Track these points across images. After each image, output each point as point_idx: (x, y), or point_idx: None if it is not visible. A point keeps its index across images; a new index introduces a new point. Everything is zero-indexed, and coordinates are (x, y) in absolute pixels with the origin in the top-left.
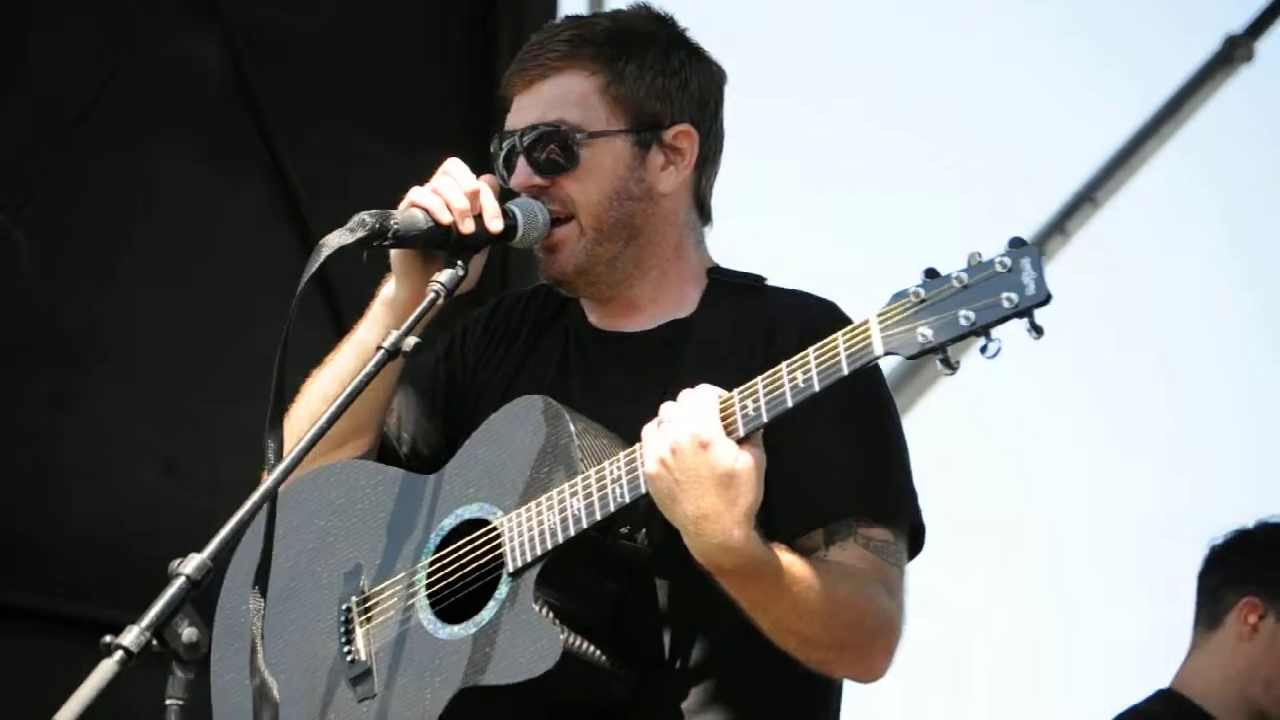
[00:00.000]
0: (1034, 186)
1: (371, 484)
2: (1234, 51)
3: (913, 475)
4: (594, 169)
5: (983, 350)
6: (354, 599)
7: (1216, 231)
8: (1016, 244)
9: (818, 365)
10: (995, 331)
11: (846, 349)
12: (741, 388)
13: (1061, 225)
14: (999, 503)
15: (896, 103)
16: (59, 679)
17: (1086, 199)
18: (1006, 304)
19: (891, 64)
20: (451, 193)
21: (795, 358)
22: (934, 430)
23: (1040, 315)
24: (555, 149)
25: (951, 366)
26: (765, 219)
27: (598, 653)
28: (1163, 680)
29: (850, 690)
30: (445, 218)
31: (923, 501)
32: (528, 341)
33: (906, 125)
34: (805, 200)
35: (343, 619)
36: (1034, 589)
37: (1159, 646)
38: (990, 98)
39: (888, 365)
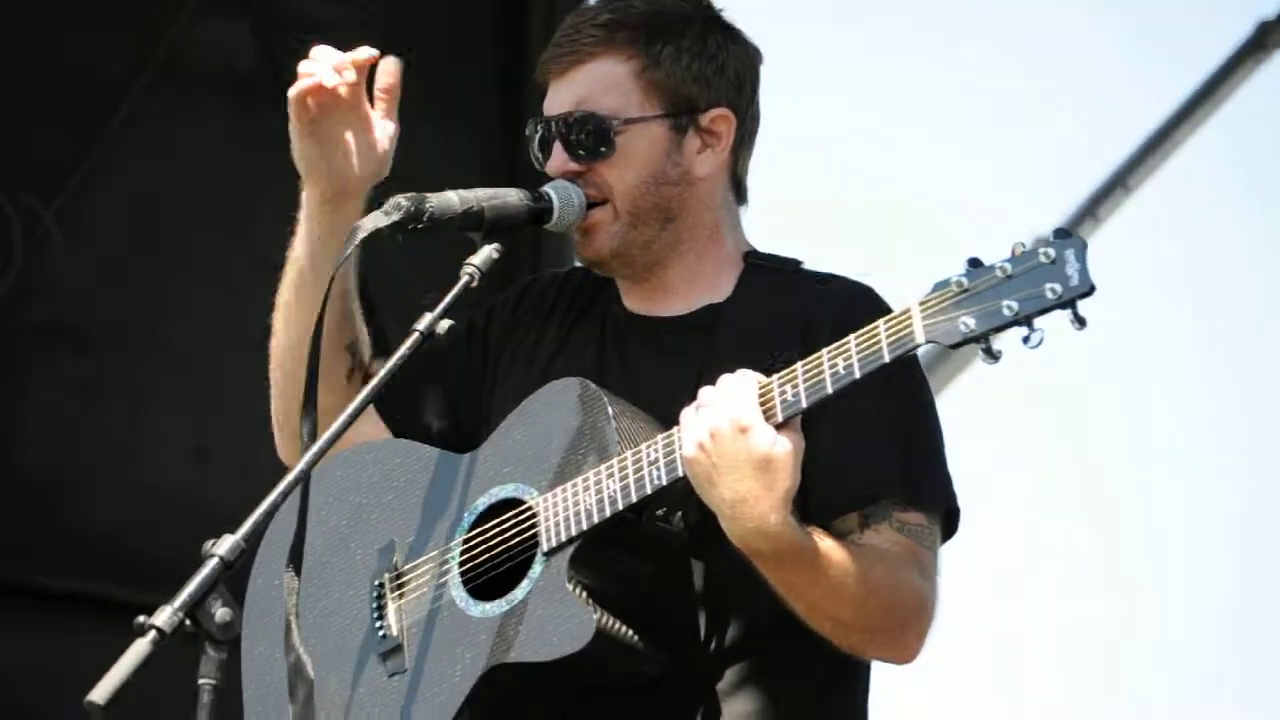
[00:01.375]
0: (1066, 171)
1: (407, 462)
2: (1267, 37)
3: (947, 459)
4: (630, 155)
5: (1025, 340)
6: (387, 575)
7: (1250, 217)
8: (1061, 235)
9: (859, 352)
10: (1038, 322)
11: (888, 337)
12: (781, 373)
13: (1093, 211)
14: (1029, 490)
15: (928, 88)
16: (91, 661)
17: (1119, 185)
18: (1050, 295)
19: (922, 49)
20: (320, 69)
21: (836, 344)
22: (965, 415)
23: (1081, 305)
24: (591, 136)
25: (994, 356)
26: (800, 205)
27: (630, 633)
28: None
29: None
30: (332, 81)
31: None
32: (565, 323)
33: (939, 111)
34: (838, 186)
35: (375, 595)
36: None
37: (1201, 638)
38: (1022, 83)
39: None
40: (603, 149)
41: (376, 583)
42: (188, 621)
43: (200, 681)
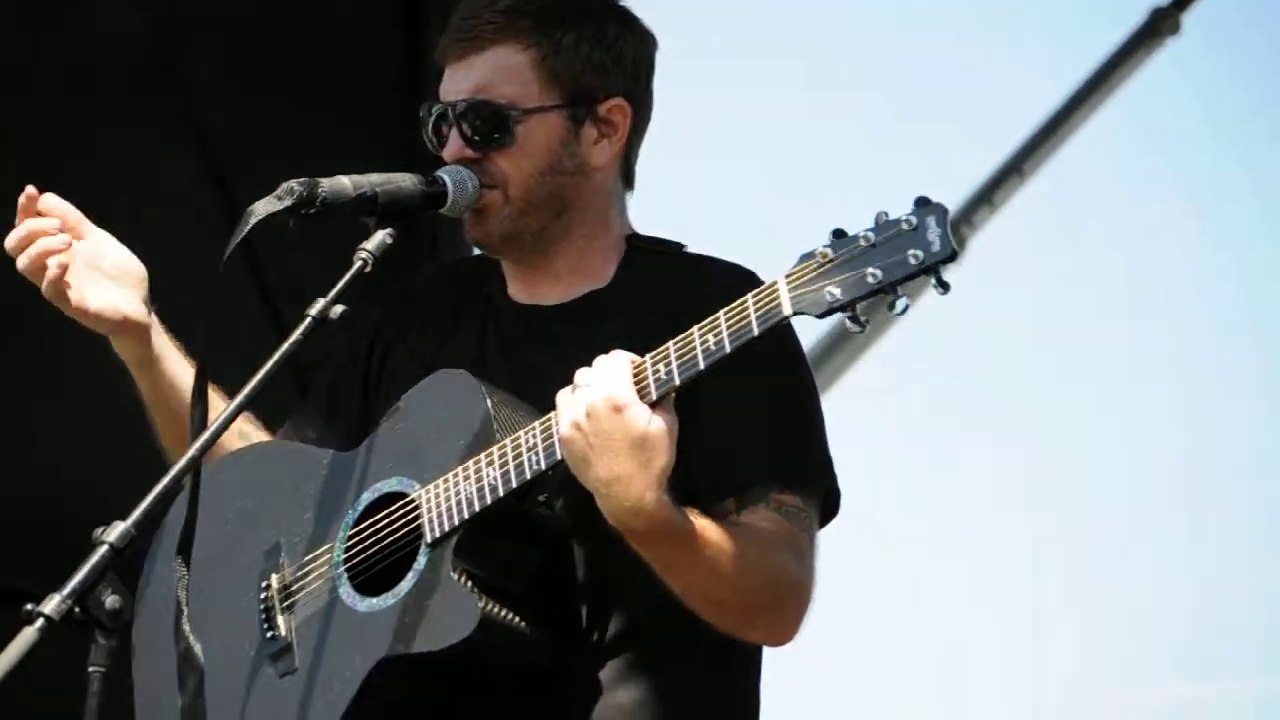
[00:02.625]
0: (960, 157)
1: (292, 462)
2: (1160, 24)
3: (827, 441)
4: (527, 145)
5: (890, 308)
6: (274, 576)
7: (1143, 204)
8: (922, 203)
9: (728, 327)
10: (904, 288)
11: (756, 310)
12: (653, 352)
13: (989, 197)
14: (921, 478)
15: (822, 72)
16: None
17: (1014, 170)
18: (913, 261)
19: (817, 32)
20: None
21: (707, 321)
22: (858, 401)
23: (953, 274)
24: (488, 124)
25: (861, 324)
26: (690, 182)
27: (518, 621)
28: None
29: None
30: (56, 243)
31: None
32: (451, 315)
33: (832, 94)
34: (731, 164)
35: (263, 597)
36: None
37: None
38: (916, 68)
39: (812, 336)
40: (500, 138)
41: (263, 585)
42: (77, 609)
43: (90, 669)
